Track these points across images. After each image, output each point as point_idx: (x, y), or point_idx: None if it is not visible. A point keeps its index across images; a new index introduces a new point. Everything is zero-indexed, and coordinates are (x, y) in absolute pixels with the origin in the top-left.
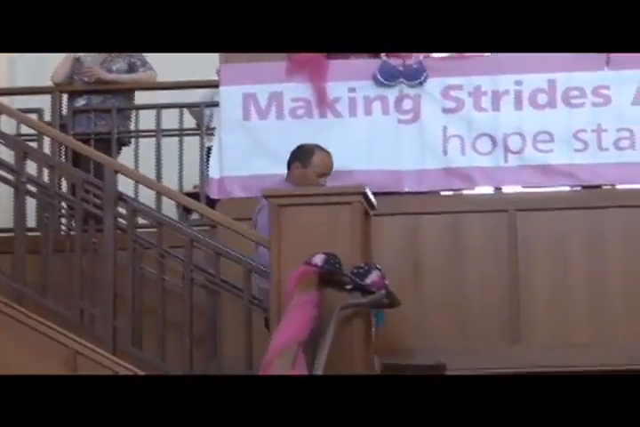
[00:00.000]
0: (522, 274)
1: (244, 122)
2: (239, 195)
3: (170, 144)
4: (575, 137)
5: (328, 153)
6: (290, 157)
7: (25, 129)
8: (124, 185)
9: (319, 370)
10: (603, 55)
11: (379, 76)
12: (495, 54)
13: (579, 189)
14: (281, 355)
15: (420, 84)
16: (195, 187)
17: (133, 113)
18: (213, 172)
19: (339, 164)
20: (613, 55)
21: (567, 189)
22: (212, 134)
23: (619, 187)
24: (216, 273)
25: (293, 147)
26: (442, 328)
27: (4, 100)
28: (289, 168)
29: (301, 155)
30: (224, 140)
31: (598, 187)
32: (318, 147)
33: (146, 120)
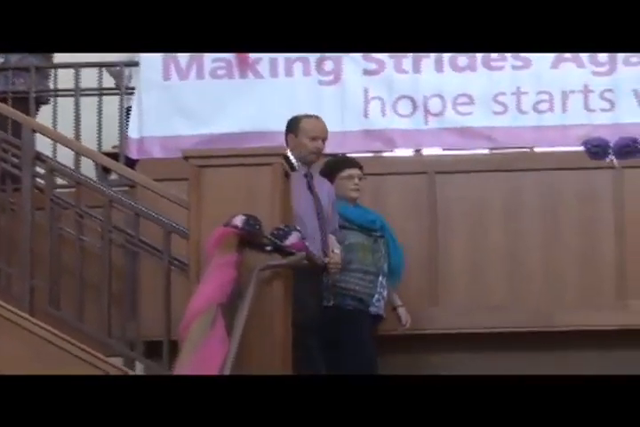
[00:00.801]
0: (441, 236)
1: (163, 82)
2: (158, 155)
3: (89, 103)
4: (495, 100)
5: (317, 117)
6: (285, 133)
7: None
8: (43, 144)
9: (238, 332)
10: None
11: None
12: None
13: (498, 151)
14: (199, 317)
15: None
16: (114, 147)
17: (52, 71)
18: (133, 132)
19: (259, 125)
20: None
21: (486, 151)
22: (132, 94)
23: (537, 150)
24: (135, 234)
25: (213, 107)
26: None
27: None
28: (286, 143)
29: (291, 125)
30: (144, 100)
31: (517, 149)
32: (306, 115)
33: (64, 79)
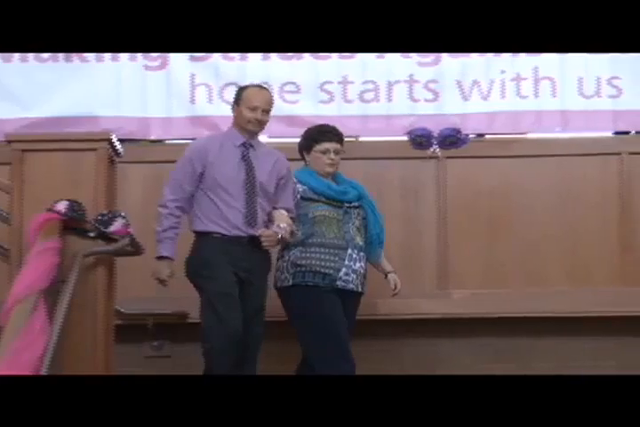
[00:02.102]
0: None
1: None
2: None
3: None
4: (321, 89)
5: (261, 87)
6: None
7: None
8: None
9: (60, 317)
10: None
11: None
12: None
13: None
14: (21, 302)
15: None
16: None
17: None
18: None
19: (85, 109)
20: None
21: None
22: None
23: (362, 139)
24: None
25: (38, 91)
26: (184, 277)
27: None
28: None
29: (236, 95)
30: None
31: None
32: (252, 84)
33: None
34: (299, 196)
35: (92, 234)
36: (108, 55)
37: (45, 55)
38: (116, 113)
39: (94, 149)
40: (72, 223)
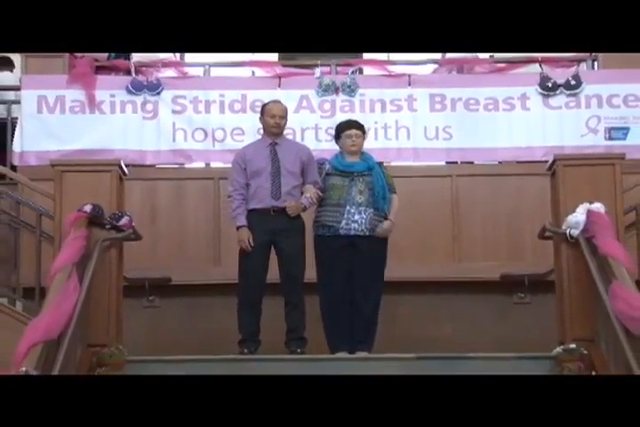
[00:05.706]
0: (222, 222)
1: (37, 114)
2: (34, 163)
3: None
4: (257, 132)
5: (276, 101)
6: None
7: None
8: None
9: (86, 281)
10: (276, 79)
11: (130, 88)
12: (208, 75)
13: None
14: (60, 271)
15: (158, 93)
16: None
17: None
18: (16, 147)
19: (102, 144)
20: (284, 79)
21: None
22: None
23: None
24: (17, 215)
25: (74, 133)
26: (169, 254)
27: None
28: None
29: (260, 112)
30: (24, 126)
31: None
32: (270, 101)
33: None
34: (324, 173)
35: (107, 227)
36: (118, 109)
37: (77, 109)
38: (123, 147)
39: (109, 171)
40: (94, 219)
